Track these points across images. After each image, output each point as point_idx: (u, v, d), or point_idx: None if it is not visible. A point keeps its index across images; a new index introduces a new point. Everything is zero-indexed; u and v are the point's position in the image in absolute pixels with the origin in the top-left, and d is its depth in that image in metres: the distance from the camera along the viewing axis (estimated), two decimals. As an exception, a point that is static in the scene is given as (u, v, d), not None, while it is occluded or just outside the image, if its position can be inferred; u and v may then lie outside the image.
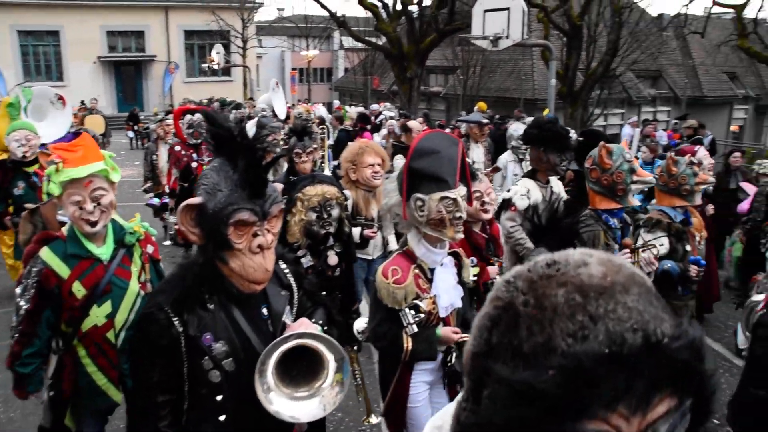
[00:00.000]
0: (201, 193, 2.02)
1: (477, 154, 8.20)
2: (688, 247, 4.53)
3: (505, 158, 7.36)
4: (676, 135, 15.96)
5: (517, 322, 0.76)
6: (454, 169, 2.90)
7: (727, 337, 6.90)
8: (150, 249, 3.12)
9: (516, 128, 7.29)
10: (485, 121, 8.89)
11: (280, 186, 3.40)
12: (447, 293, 3.05)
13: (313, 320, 2.32)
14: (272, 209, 2.06)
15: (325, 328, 2.35)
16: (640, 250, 3.94)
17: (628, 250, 3.78)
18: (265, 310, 2.22)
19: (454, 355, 3.09)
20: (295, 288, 2.37)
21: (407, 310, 2.93)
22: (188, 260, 2.23)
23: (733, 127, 33.79)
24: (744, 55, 16.72)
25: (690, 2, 29.37)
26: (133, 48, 33.68)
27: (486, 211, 3.87)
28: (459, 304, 3.13)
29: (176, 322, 2.03)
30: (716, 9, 17.67)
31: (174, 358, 2.05)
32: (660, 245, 4.25)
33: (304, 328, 2.10)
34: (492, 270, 3.88)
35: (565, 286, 0.76)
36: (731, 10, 16.10)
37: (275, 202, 2.07)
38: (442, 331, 3.02)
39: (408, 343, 2.95)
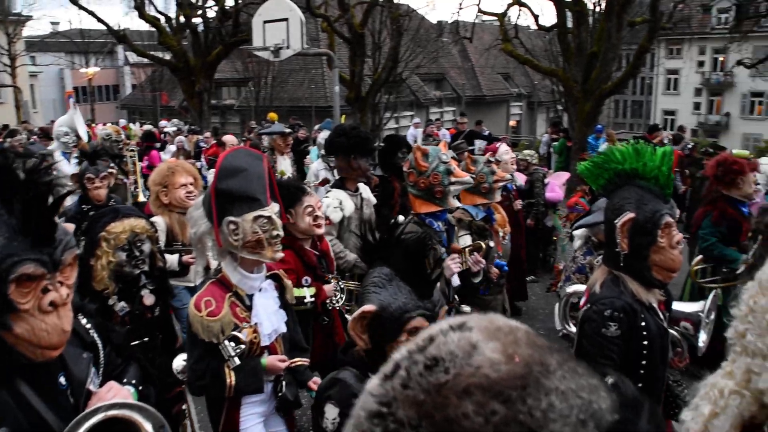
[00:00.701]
0: None
1: (284, 165, 8.03)
2: (492, 243, 4.70)
3: (316, 167, 7.31)
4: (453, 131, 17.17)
5: None
6: (263, 186, 2.78)
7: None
8: None
9: (324, 136, 7.28)
10: (288, 130, 8.81)
11: (71, 226, 2.98)
12: (269, 320, 2.89)
13: (125, 381, 1.98)
14: (65, 257, 1.66)
15: (140, 388, 2.03)
16: (467, 250, 4.05)
17: (457, 255, 3.82)
18: (63, 379, 1.78)
19: (284, 383, 2.95)
20: (100, 345, 1.97)
21: (226, 342, 2.72)
22: None
23: (512, 123, 37.07)
24: (510, 57, 18.39)
25: (460, 10, 31.78)
26: None
27: (318, 226, 3.77)
28: (283, 329, 2.98)
29: None
30: (483, 16, 19.18)
31: None
32: (465, 244, 4.41)
33: (114, 394, 1.76)
34: (328, 288, 3.77)
35: (470, 394, 0.53)
36: (496, 18, 17.66)
37: (68, 248, 1.68)
38: (267, 360, 2.87)
39: (231, 378, 2.76)
